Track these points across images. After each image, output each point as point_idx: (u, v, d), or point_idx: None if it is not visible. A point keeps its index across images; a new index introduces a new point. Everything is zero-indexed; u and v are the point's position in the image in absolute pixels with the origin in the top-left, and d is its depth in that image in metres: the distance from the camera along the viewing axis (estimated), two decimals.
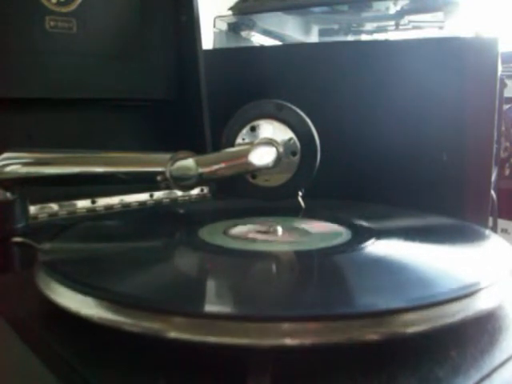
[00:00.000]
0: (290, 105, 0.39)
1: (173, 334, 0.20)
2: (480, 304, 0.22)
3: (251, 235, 0.34)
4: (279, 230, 0.33)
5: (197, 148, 0.39)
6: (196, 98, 0.56)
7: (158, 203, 0.53)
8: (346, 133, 0.53)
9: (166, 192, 0.53)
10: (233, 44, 0.74)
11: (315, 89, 0.55)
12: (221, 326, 0.20)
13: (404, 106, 0.50)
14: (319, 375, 0.20)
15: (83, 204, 0.48)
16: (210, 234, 0.33)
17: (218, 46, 0.72)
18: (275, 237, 0.33)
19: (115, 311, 0.21)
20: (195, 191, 0.56)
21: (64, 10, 0.48)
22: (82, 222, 0.39)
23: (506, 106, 0.71)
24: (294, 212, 0.39)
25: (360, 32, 0.75)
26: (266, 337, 0.19)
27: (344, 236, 0.32)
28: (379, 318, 0.20)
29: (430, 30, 0.68)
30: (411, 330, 0.20)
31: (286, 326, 0.19)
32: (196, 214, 0.44)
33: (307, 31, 0.76)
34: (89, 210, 0.48)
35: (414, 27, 0.69)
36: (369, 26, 0.73)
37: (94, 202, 0.49)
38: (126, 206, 0.50)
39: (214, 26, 0.73)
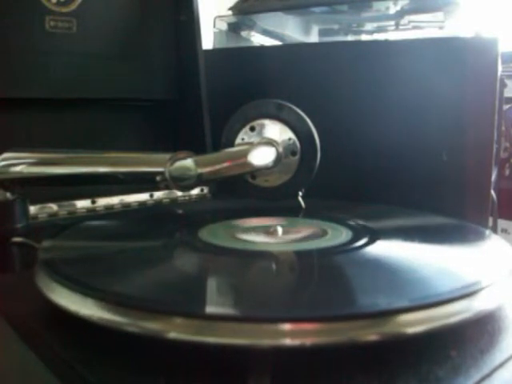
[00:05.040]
0: (289, 105, 0.39)
1: (173, 335, 0.20)
2: (480, 304, 0.22)
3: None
4: (279, 229, 0.33)
5: (197, 148, 0.39)
6: (196, 98, 0.56)
7: (158, 203, 0.53)
8: (345, 133, 0.53)
9: (165, 192, 0.53)
10: (233, 44, 0.74)
11: (315, 89, 0.55)
12: (221, 326, 0.20)
13: (404, 106, 0.50)
14: (319, 375, 0.20)
15: (83, 204, 0.48)
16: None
17: (217, 45, 0.72)
18: (275, 237, 0.33)
19: (114, 311, 0.21)
20: (195, 191, 0.56)
21: (64, 9, 0.48)
22: (81, 221, 0.39)
23: (506, 106, 0.71)
24: (294, 212, 0.39)
25: (360, 32, 0.75)
26: (266, 337, 0.19)
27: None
28: (379, 319, 0.20)
29: (430, 30, 0.68)
30: (411, 330, 0.20)
31: (286, 326, 0.19)
32: (196, 213, 0.44)
33: (307, 31, 0.76)
34: (89, 210, 0.48)
35: (414, 27, 0.69)
36: (369, 26, 0.73)
37: (94, 202, 0.49)
38: (126, 206, 0.50)
39: (214, 26, 0.72)
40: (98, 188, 0.49)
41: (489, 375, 0.20)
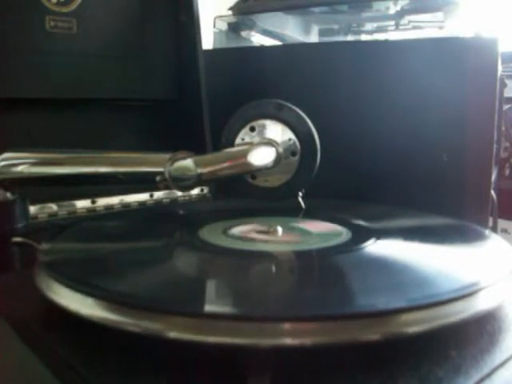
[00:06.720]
0: (289, 105, 0.39)
1: (173, 334, 0.20)
2: (480, 304, 0.22)
3: (251, 235, 0.34)
4: (279, 230, 0.33)
5: (197, 148, 0.39)
6: (196, 98, 0.56)
7: (158, 203, 0.53)
8: (345, 133, 0.53)
9: (165, 192, 0.53)
10: (233, 44, 0.74)
11: (315, 89, 0.55)
12: (221, 325, 0.20)
13: (404, 106, 0.50)
14: (319, 375, 0.20)
15: (83, 204, 0.48)
16: (210, 234, 0.33)
17: (217, 46, 0.72)
18: (275, 237, 0.33)
19: (115, 311, 0.21)
20: (195, 191, 0.56)
21: (64, 9, 0.48)
22: (81, 221, 0.39)
23: (506, 106, 0.71)
24: (294, 212, 0.39)
25: (360, 32, 0.75)
26: (267, 337, 0.19)
27: (344, 236, 0.32)
28: (379, 318, 0.20)
29: (430, 30, 0.68)
30: (411, 330, 0.20)
31: (286, 326, 0.19)
32: (196, 213, 0.44)
33: (307, 31, 0.76)
34: (89, 210, 0.48)
35: (414, 27, 0.69)
36: (369, 26, 0.73)
37: (94, 202, 0.49)
38: (126, 206, 0.50)
39: (214, 26, 0.72)
40: (98, 188, 0.49)
41: (489, 375, 0.20)
